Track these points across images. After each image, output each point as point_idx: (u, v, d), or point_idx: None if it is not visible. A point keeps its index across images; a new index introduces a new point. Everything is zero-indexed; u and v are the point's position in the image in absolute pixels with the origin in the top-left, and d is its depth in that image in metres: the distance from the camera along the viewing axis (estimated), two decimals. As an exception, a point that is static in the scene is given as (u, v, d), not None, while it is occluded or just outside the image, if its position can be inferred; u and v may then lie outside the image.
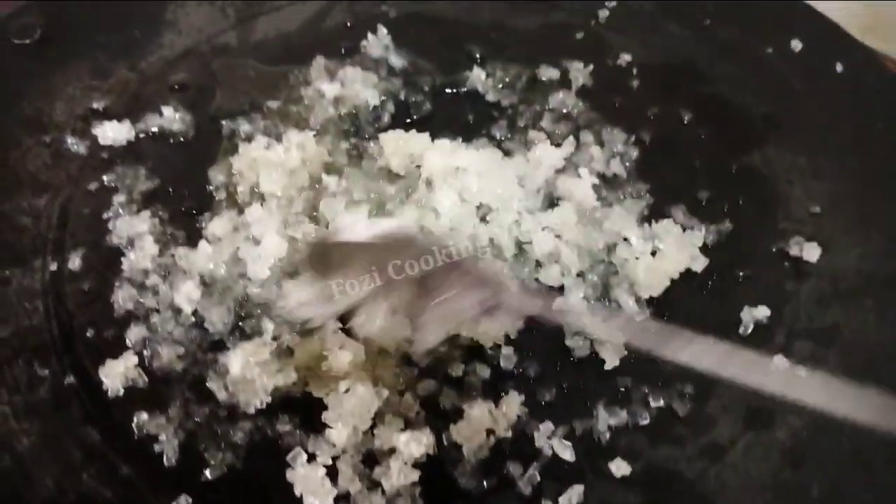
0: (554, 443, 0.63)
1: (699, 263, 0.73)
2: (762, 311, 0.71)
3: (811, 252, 0.74)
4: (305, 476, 0.60)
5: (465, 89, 0.87)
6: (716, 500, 0.62)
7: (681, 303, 0.71)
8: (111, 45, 0.90)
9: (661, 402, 0.66)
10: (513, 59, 0.89)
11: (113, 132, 0.81)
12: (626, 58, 0.89)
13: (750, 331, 0.70)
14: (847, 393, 0.51)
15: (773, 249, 0.76)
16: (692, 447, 0.64)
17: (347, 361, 0.63)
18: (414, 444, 0.60)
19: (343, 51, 0.91)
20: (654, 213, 0.77)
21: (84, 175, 0.80)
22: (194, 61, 0.90)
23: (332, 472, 0.61)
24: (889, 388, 0.49)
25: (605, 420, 0.64)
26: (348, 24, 0.95)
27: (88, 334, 0.69)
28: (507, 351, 0.68)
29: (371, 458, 0.62)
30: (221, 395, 0.64)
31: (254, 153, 0.78)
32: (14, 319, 0.69)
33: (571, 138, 0.81)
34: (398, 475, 0.59)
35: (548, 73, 0.88)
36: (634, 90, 0.89)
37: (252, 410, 0.64)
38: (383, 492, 0.60)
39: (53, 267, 0.73)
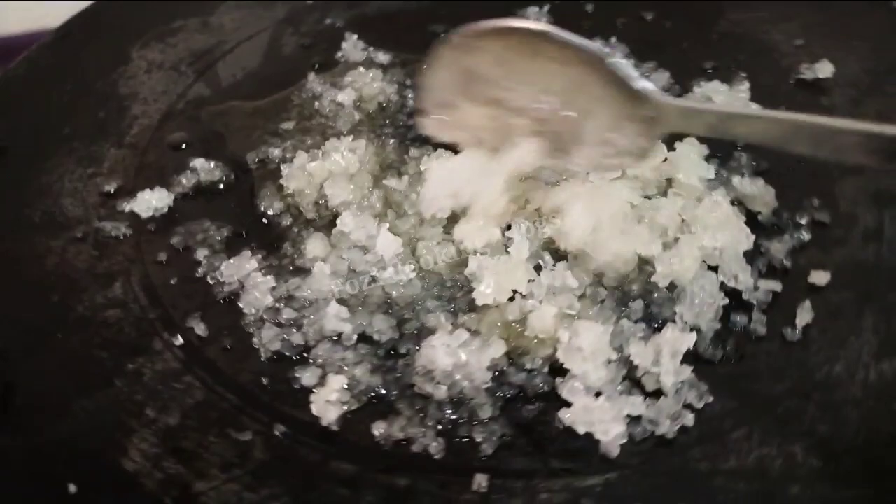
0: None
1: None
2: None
3: (824, 69, 0.84)
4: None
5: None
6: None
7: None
8: (83, 132, 0.82)
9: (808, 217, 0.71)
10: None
11: (154, 201, 0.73)
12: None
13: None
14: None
15: (792, 82, 0.85)
16: (856, 240, 0.69)
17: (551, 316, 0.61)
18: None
19: (317, 66, 0.90)
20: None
21: (144, 251, 0.71)
22: (180, 119, 0.85)
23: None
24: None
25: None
26: (305, 45, 0.93)
27: (264, 382, 0.61)
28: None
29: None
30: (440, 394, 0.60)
31: (309, 168, 0.73)
32: (175, 404, 0.60)
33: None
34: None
35: None
36: (591, 13, 0.95)
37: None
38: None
39: (179, 341, 0.64)
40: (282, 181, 0.75)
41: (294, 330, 0.64)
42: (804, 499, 0.54)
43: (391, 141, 0.79)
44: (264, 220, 0.74)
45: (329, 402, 0.58)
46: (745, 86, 0.81)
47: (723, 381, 0.60)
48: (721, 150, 0.75)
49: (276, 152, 0.79)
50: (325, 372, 0.61)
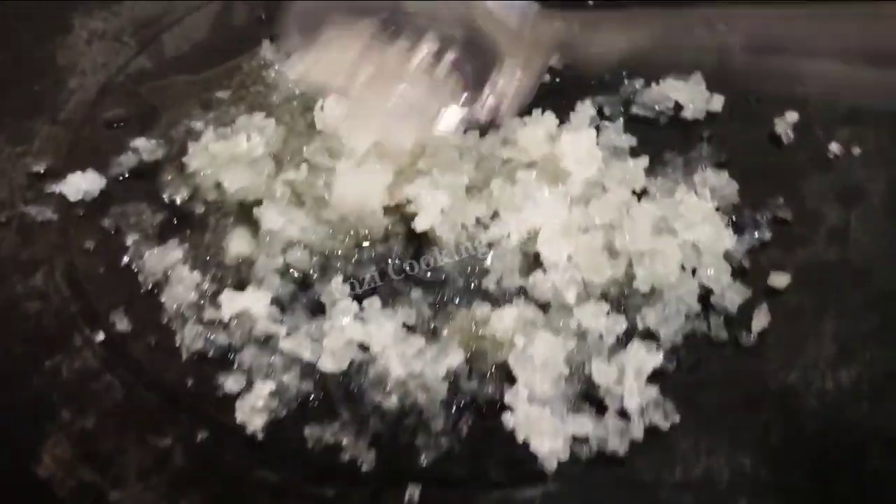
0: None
1: (716, 103, 0.76)
2: (791, 116, 0.75)
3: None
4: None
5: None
6: (867, 267, 0.65)
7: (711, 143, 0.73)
8: (14, 106, 0.77)
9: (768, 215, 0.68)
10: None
11: (85, 184, 0.69)
12: None
13: (793, 137, 0.74)
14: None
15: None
16: (819, 240, 0.67)
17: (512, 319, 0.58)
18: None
19: (271, 38, 0.85)
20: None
21: (71, 237, 0.67)
22: (118, 94, 0.80)
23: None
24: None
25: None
26: (263, 17, 0.88)
27: (189, 383, 0.57)
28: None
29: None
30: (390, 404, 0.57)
31: (212, 149, 0.69)
32: (93, 406, 0.56)
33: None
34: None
35: None
36: None
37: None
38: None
39: (100, 337, 0.60)
40: (184, 159, 0.70)
41: (220, 330, 0.60)
42: (752, 512, 0.52)
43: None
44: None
45: (255, 410, 0.55)
46: (698, 76, 0.76)
47: (674, 389, 0.57)
48: (683, 141, 0.72)
49: (199, 125, 0.74)
50: (250, 378, 0.57)
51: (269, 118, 0.72)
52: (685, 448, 0.55)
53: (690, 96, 0.75)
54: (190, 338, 0.59)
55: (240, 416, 0.55)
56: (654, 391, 0.56)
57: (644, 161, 0.68)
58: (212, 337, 0.59)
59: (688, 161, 0.71)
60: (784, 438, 0.55)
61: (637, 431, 0.55)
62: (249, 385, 0.57)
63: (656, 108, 0.76)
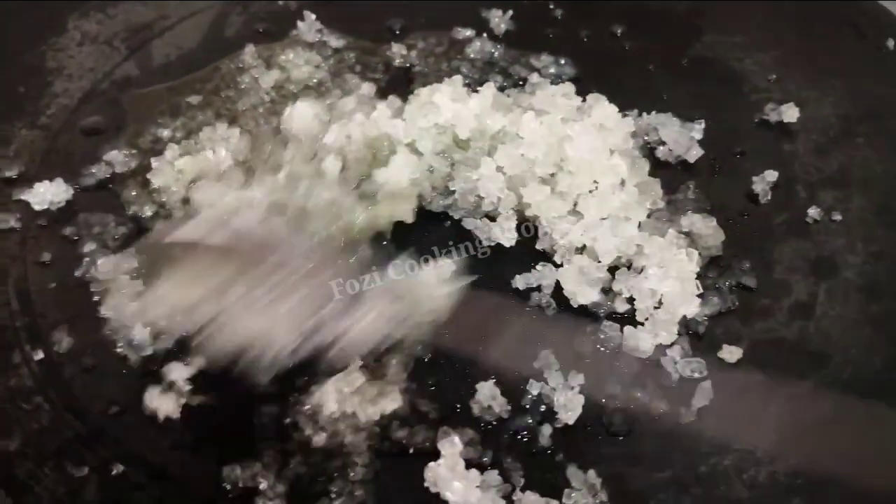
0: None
1: (694, 154, 0.73)
2: (771, 175, 0.72)
3: (790, 113, 0.77)
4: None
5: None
6: (826, 350, 0.62)
7: (696, 190, 0.71)
8: (-3, 108, 0.78)
9: (732, 281, 0.65)
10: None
11: (49, 194, 0.70)
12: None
13: (770, 196, 0.71)
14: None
15: (755, 121, 0.78)
16: (781, 314, 0.64)
17: None
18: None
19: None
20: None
21: (29, 248, 0.68)
22: (99, 101, 0.80)
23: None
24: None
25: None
26: (261, 31, 0.87)
27: (113, 411, 0.58)
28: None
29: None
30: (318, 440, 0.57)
31: (178, 164, 0.69)
32: (18, 427, 0.57)
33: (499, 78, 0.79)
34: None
35: (463, 33, 0.85)
36: (560, 19, 0.88)
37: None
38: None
39: (39, 356, 0.61)
40: (148, 175, 0.70)
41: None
42: None
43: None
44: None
45: (166, 393, 0.56)
46: (700, 126, 0.75)
47: (600, 462, 0.56)
48: (671, 182, 0.70)
49: (165, 133, 0.75)
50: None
51: (232, 127, 0.72)
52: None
53: (677, 138, 0.73)
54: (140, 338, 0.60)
55: (148, 399, 0.56)
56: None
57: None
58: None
59: (672, 202, 0.70)
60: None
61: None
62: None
63: (644, 137, 0.74)
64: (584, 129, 0.66)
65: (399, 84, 0.80)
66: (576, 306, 0.63)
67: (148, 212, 0.70)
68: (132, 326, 0.60)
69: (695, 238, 0.66)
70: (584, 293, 0.62)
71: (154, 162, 0.71)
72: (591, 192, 0.65)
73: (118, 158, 0.74)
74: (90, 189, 0.72)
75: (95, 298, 0.64)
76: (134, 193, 0.71)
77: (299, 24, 0.84)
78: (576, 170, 0.65)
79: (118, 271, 0.64)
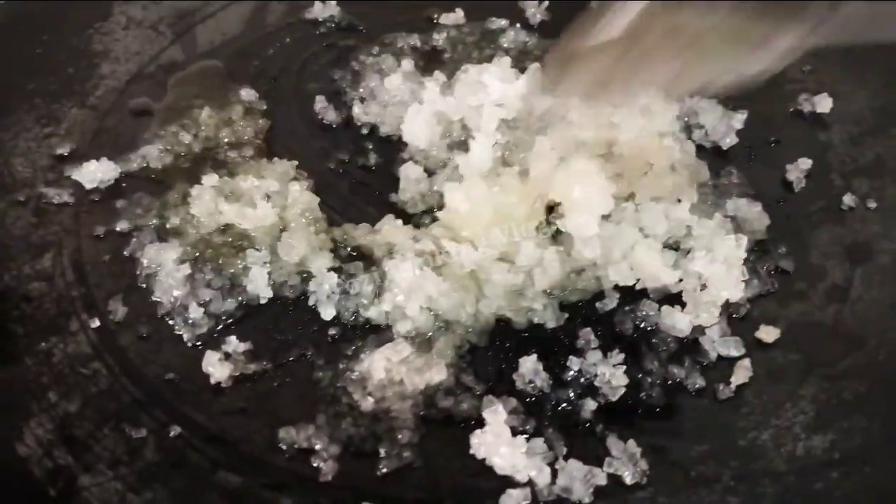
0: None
1: (728, 141, 0.74)
2: (805, 163, 0.73)
3: (823, 103, 0.78)
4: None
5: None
6: (861, 332, 0.63)
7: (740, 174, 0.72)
8: (48, 89, 0.80)
9: (770, 265, 0.66)
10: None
11: (100, 172, 0.72)
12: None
13: (804, 184, 0.72)
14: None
15: (790, 111, 0.79)
16: (817, 297, 0.65)
17: None
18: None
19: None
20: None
21: (83, 222, 0.70)
22: (147, 84, 0.82)
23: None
24: None
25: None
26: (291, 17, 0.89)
27: (170, 377, 0.60)
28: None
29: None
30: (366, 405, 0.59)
31: (220, 207, 0.68)
32: (78, 391, 0.59)
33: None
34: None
35: (497, 23, 0.86)
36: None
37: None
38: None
39: (96, 324, 0.63)
40: (189, 200, 0.69)
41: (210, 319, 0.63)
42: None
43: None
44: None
45: (221, 361, 0.58)
46: (742, 115, 0.76)
47: (640, 434, 0.57)
48: (710, 166, 0.71)
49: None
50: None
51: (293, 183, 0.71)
52: (642, 497, 0.55)
53: (716, 125, 0.74)
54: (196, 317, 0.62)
55: (205, 365, 0.58)
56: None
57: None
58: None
59: (717, 186, 0.71)
60: (743, 499, 0.55)
61: (600, 479, 0.55)
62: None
63: (686, 120, 0.75)
64: (630, 113, 0.67)
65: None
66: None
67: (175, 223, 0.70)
68: (188, 306, 0.62)
69: (740, 222, 0.68)
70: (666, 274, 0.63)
71: (194, 190, 0.70)
72: (645, 173, 0.66)
73: (151, 154, 0.74)
74: (135, 171, 0.74)
75: (139, 275, 0.65)
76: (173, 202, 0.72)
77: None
78: (628, 153, 0.66)
79: (164, 258, 0.65)
